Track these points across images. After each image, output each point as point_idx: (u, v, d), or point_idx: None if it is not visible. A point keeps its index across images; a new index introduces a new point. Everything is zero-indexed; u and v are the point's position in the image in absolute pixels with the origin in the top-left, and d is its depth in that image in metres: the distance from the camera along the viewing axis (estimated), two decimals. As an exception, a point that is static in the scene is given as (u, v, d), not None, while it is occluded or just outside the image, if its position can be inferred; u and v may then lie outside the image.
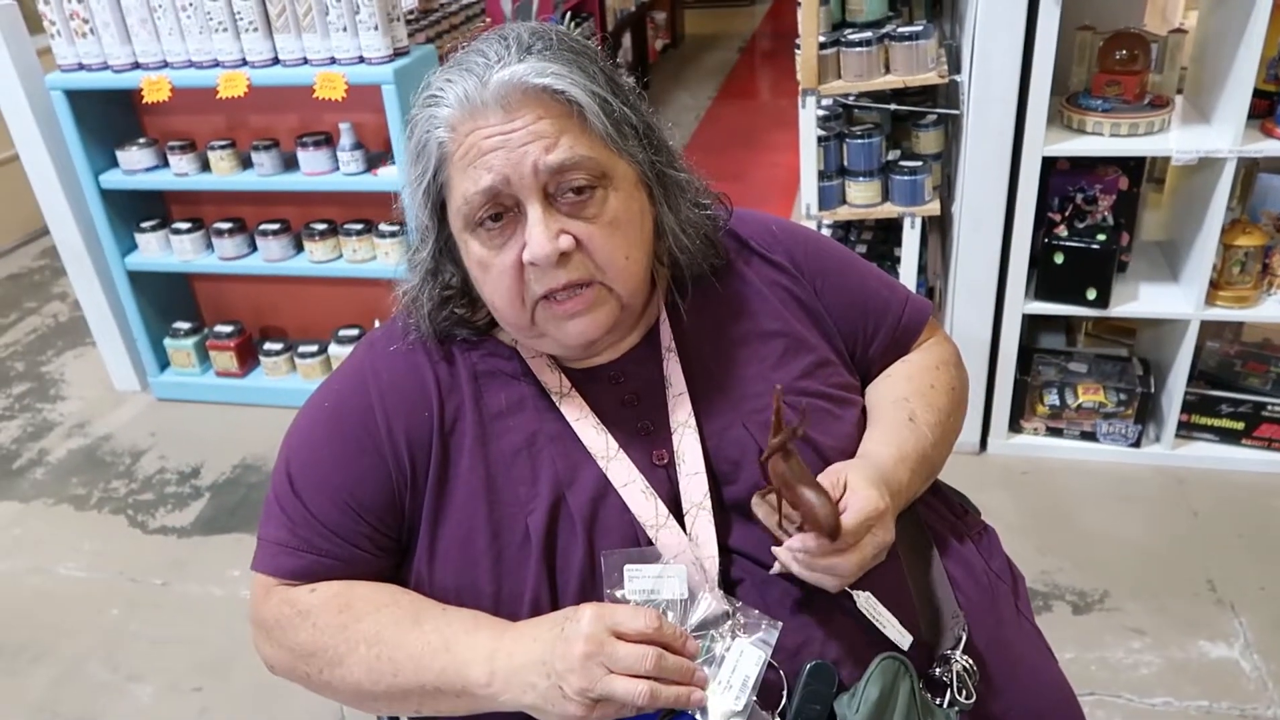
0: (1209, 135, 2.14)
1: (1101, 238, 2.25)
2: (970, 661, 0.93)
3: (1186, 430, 2.46)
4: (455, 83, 0.87)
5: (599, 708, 0.80)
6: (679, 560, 0.90)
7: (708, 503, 0.92)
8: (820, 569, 0.85)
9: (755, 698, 0.84)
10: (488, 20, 3.69)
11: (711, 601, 0.87)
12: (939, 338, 1.14)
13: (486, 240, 0.88)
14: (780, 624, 0.87)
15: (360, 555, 0.95)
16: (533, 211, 0.86)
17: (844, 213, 2.50)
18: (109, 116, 2.82)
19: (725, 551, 0.92)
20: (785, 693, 0.87)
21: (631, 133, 0.91)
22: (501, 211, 0.87)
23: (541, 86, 0.85)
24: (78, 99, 2.70)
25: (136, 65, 2.64)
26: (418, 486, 0.95)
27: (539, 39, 0.89)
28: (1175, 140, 2.15)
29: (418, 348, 0.98)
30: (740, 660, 0.85)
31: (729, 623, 0.87)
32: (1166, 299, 2.33)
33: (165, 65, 2.62)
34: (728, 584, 0.91)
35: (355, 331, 2.96)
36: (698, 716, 0.83)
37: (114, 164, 2.84)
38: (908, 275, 2.53)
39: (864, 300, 1.07)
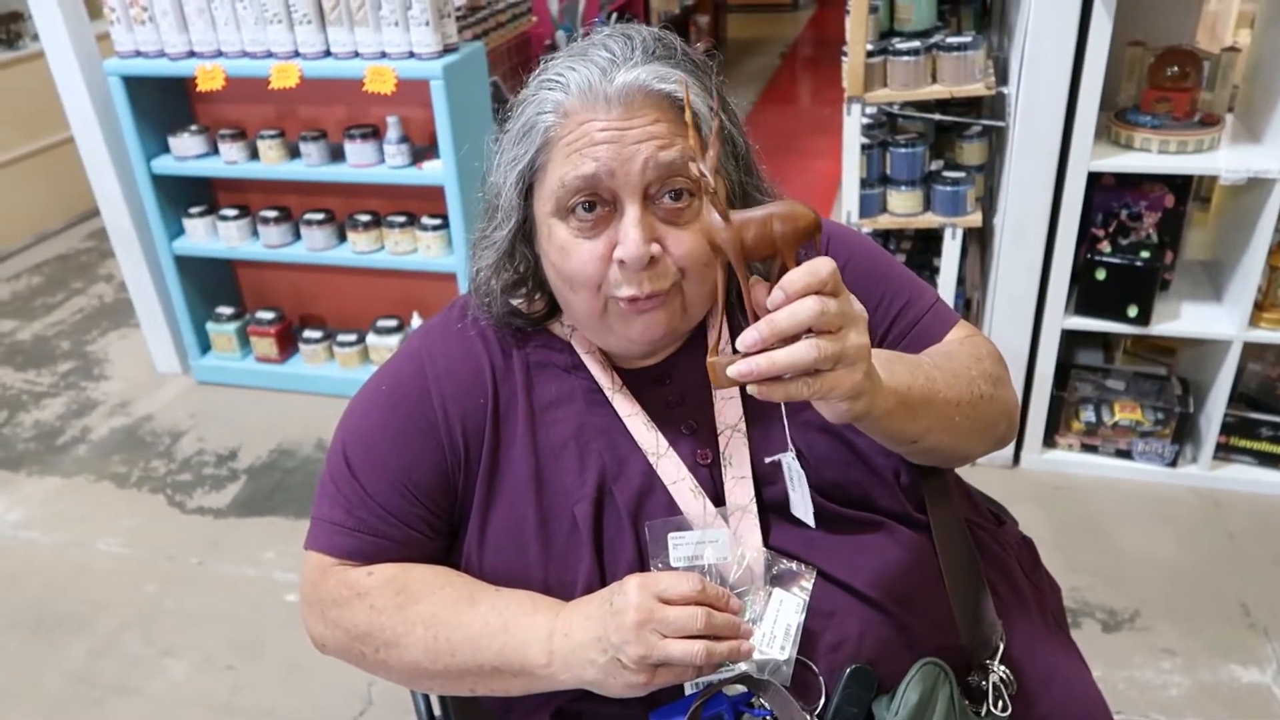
0: (1259, 155, 2.12)
1: (1145, 255, 2.23)
2: (1008, 671, 0.93)
3: (1224, 452, 2.43)
4: (577, 70, 0.88)
5: (659, 673, 0.83)
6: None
7: (754, 506, 0.94)
8: (799, 276, 0.73)
9: (798, 644, 0.87)
10: (534, 19, 3.72)
11: (748, 558, 0.90)
12: (977, 338, 1.09)
13: (578, 228, 0.89)
14: (815, 569, 0.90)
15: (415, 537, 0.98)
16: (631, 211, 0.87)
17: (884, 221, 2.50)
18: (163, 103, 2.88)
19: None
20: (823, 693, 0.88)
21: (732, 151, 0.92)
22: (596, 203, 0.88)
23: (665, 93, 0.87)
24: (134, 85, 2.76)
25: (192, 54, 2.69)
26: (470, 471, 0.97)
27: (663, 45, 0.90)
28: (1224, 159, 2.13)
29: (474, 336, 1.00)
30: (781, 610, 0.89)
31: (766, 576, 0.90)
32: (1209, 319, 2.31)
33: (220, 54, 2.67)
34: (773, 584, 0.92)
35: (394, 322, 2.99)
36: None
37: (165, 150, 2.90)
38: (946, 286, 2.53)
39: (883, 287, 1.05)
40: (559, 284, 0.93)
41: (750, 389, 0.75)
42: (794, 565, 0.92)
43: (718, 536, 0.90)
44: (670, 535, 0.91)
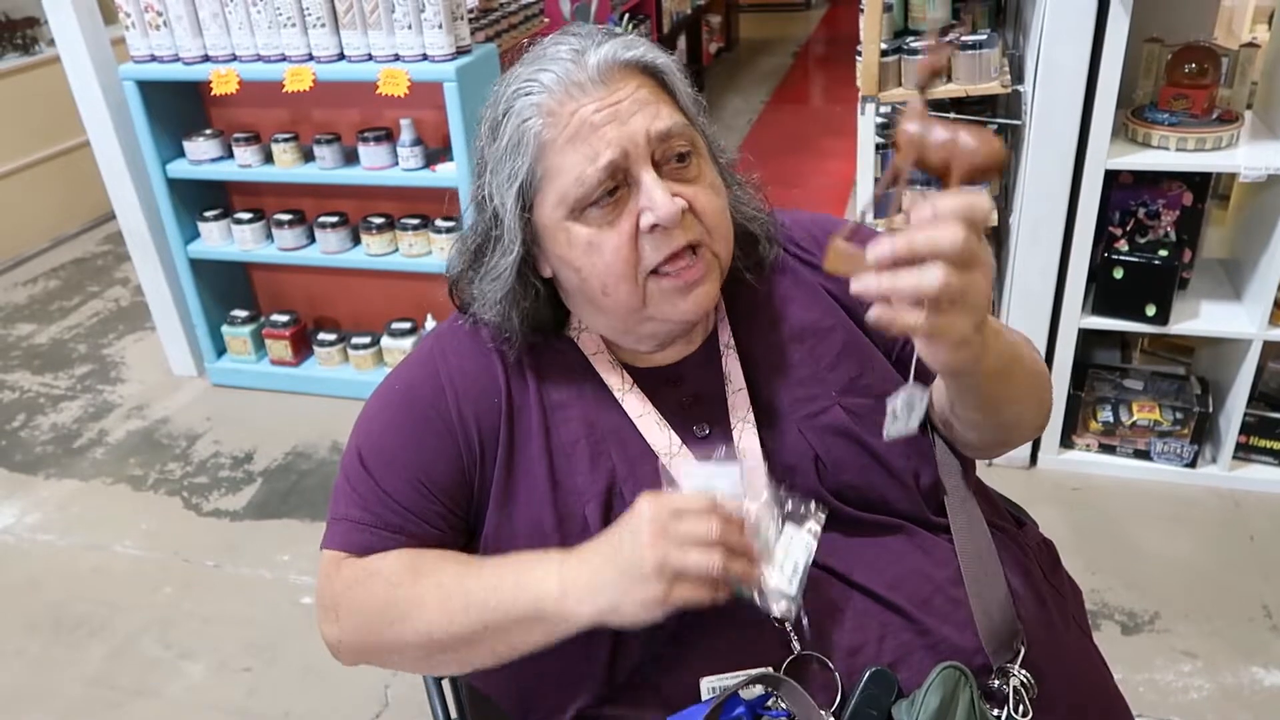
0: (1279, 152, 2.10)
1: (1163, 253, 2.21)
2: (1028, 676, 0.92)
3: (1244, 452, 2.41)
4: (547, 69, 0.88)
5: (676, 588, 0.79)
6: None
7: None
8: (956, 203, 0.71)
9: (805, 584, 0.85)
10: (546, 20, 3.72)
11: (761, 492, 0.87)
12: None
13: (598, 219, 0.89)
14: (826, 510, 0.88)
15: (431, 532, 0.97)
16: (648, 176, 0.88)
17: (900, 221, 2.48)
18: (178, 107, 2.89)
19: None
20: (841, 694, 0.88)
21: (698, 110, 0.95)
22: (616, 185, 0.88)
23: (635, 59, 0.89)
24: (149, 89, 2.77)
25: (206, 58, 2.70)
26: (485, 470, 0.97)
27: (608, 32, 0.92)
28: (1244, 156, 2.11)
29: (485, 338, 1.00)
30: (791, 546, 0.86)
31: (778, 512, 0.87)
32: (1229, 318, 2.29)
33: (234, 59, 2.68)
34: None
35: (408, 325, 2.99)
36: (755, 598, 0.84)
37: (181, 154, 2.91)
38: (962, 286, 2.51)
39: None
40: (589, 288, 0.92)
41: (873, 313, 0.73)
42: (805, 503, 0.89)
43: (731, 472, 0.86)
44: (683, 468, 0.89)
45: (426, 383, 0.99)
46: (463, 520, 0.99)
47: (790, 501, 0.89)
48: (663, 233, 0.88)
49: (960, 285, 0.70)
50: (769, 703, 0.88)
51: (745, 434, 0.96)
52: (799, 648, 0.90)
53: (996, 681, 0.92)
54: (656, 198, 0.87)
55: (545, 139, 0.88)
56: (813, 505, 0.89)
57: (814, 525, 0.88)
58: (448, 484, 0.97)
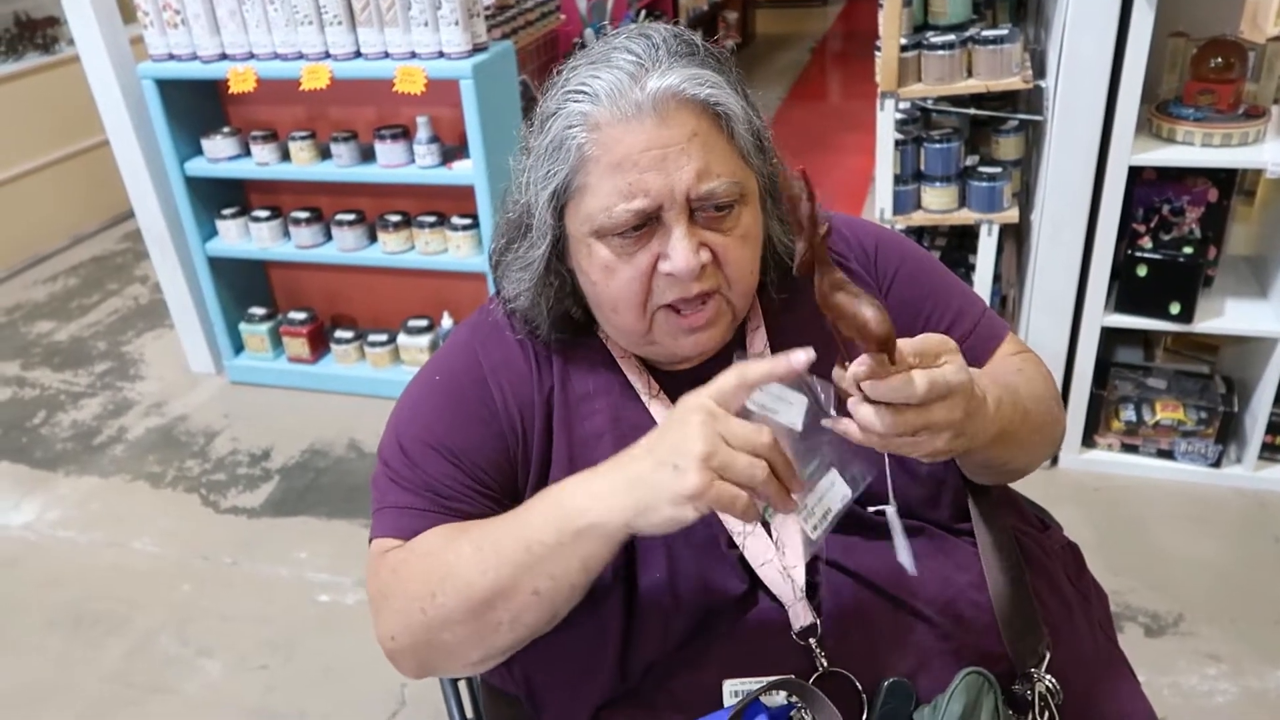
0: (1307, 148, 2.07)
1: (1188, 250, 2.18)
2: (1054, 681, 0.91)
3: (1270, 452, 2.38)
4: (602, 78, 0.85)
5: (714, 488, 0.73)
6: (767, 568, 0.89)
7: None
8: (884, 393, 0.74)
9: (829, 532, 0.83)
10: (562, 17, 3.71)
11: (815, 430, 0.81)
12: (1031, 356, 1.07)
13: (619, 248, 0.87)
14: (874, 470, 0.83)
15: (480, 511, 0.94)
16: (678, 229, 0.86)
17: (919, 218, 2.46)
18: (195, 105, 2.90)
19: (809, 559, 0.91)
20: (864, 708, 0.86)
21: (757, 145, 0.91)
22: (644, 222, 0.86)
23: (701, 98, 0.85)
24: (167, 88, 2.78)
25: (224, 56, 2.70)
26: (529, 456, 0.95)
27: (683, 42, 0.88)
28: (1270, 152, 2.07)
29: (515, 328, 0.99)
30: (829, 492, 0.82)
31: (828, 455, 0.82)
32: (1254, 316, 2.25)
33: (251, 57, 2.69)
34: (811, 591, 0.90)
35: (425, 322, 2.99)
36: (774, 529, 0.85)
37: (198, 152, 2.92)
38: (982, 283, 2.49)
39: (934, 298, 1.03)
40: (600, 303, 0.92)
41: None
42: (856, 453, 0.83)
43: (797, 401, 0.80)
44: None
45: (468, 372, 0.98)
46: (511, 503, 0.95)
47: (840, 447, 0.83)
48: (677, 279, 0.87)
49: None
50: (791, 714, 0.86)
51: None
52: (825, 664, 0.89)
53: (1021, 687, 0.91)
54: (679, 249, 0.85)
55: (587, 154, 0.85)
56: (864, 458, 0.83)
57: (859, 475, 0.83)
58: (492, 468, 0.94)
